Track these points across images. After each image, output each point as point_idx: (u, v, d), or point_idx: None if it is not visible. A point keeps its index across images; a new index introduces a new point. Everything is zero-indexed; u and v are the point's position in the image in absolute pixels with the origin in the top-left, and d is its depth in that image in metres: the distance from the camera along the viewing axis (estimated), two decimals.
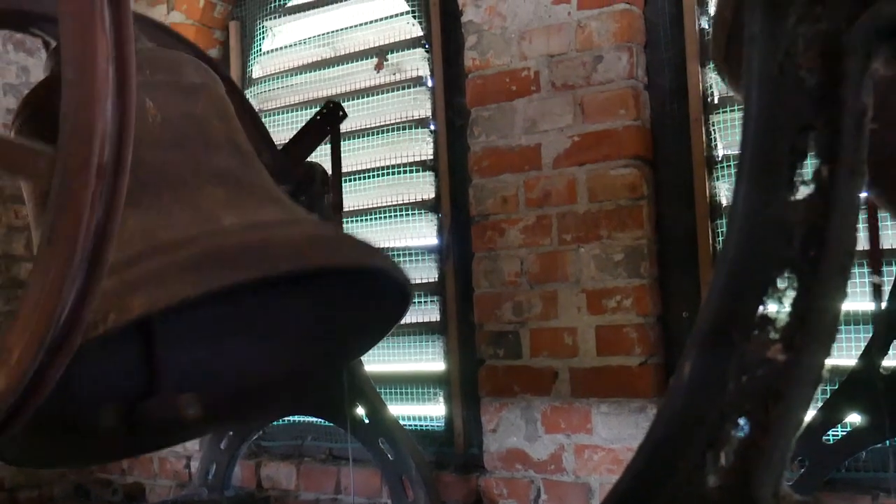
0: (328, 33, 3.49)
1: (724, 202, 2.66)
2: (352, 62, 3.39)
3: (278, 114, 3.54)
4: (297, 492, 3.30)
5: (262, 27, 3.66)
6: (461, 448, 3.00)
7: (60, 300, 1.10)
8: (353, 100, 3.30)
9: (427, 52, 3.18)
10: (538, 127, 2.79)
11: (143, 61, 1.81)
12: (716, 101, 2.68)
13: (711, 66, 2.60)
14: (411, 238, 3.18)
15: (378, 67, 3.31)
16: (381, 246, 2.81)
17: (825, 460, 2.33)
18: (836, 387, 2.32)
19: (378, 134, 3.29)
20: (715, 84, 2.68)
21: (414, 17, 3.23)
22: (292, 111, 3.51)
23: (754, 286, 0.80)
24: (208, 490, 3.06)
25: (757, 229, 0.80)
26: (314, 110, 2.78)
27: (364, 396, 2.73)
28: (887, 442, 2.35)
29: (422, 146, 3.18)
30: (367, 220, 3.27)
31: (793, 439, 0.80)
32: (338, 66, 3.43)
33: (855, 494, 2.41)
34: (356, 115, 3.28)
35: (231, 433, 3.06)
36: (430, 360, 3.12)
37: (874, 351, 2.26)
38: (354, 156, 3.29)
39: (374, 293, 2.18)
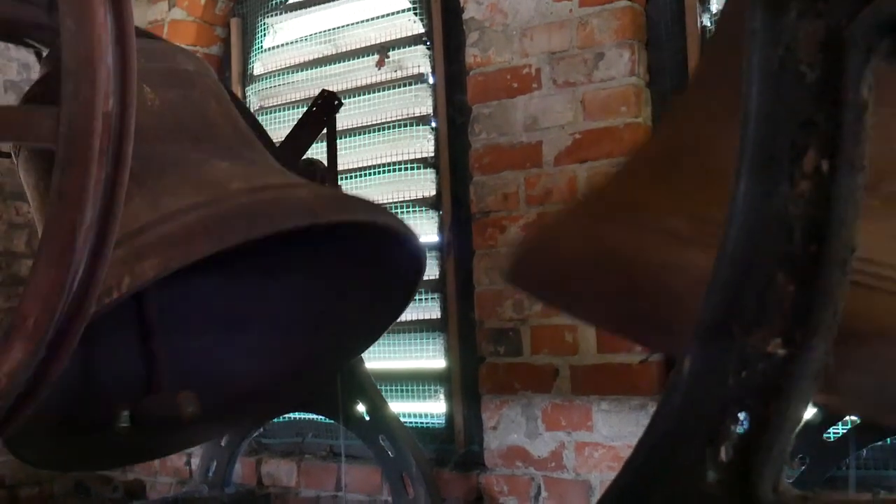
0: (329, 30, 3.48)
1: None
2: (353, 59, 3.39)
3: (279, 111, 3.54)
4: (298, 489, 3.30)
5: (264, 24, 3.66)
6: (461, 445, 3.00)
7: (74, 257, 1.04)
8: (354, 97, 3.29)
9: (428, 48, 3.17)
10: (539, 124, 2.79)
11: (136, 51, 1.82)
12: None
13: None
14: None
15: (379, 64, 3.31)
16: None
17: (826, 458, 2.33)
18: None
19: (379, 131, 3.28)
20: None
21: (415, 13, 3.23)
22: (293, 108, 3.50)
23: (754, 281, 0.80)
24: (209, 487, 3.06)
25: (757, 224, 0.80)
26: None
27: (364, 393, 2.73)
28: (888, 440, 2.36)
29: (423, 143, 3.18)
30: None
31: (793, 434, 0.80)
32: (339, 62, 3.43)
33: (855, 491, 2.41)
34: (357, 112, 3.28)
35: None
36: (431, 357, 3.12)
37: None
38: (355, 153, 3.29)
39: (384, 267, 2.16)
